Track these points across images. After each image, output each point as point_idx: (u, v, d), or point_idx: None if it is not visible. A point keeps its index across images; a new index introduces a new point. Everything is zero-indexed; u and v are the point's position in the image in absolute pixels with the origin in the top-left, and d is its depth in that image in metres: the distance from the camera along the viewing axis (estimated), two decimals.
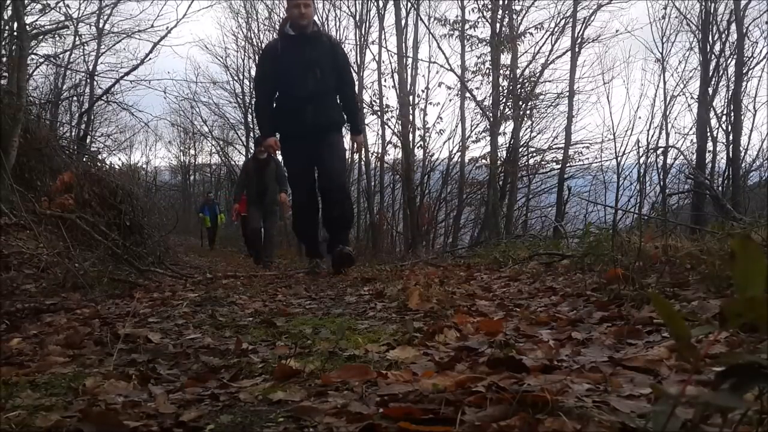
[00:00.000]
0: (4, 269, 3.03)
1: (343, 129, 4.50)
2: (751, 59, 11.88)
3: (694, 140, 12.30)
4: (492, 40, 12.18)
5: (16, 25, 6.70)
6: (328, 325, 1.91)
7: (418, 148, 13.10)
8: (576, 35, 13.19)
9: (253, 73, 20.13)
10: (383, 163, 14.22)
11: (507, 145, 12.89)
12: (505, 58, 12.70)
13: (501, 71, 12.32)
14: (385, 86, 13.57)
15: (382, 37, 13.77)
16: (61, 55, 13.53)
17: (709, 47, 12.04)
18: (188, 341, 1.72)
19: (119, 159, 21.81)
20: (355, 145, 5.15)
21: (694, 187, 10.18)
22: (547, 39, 13.24)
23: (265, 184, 7.48)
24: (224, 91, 21.67)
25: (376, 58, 13.80)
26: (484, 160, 13.06)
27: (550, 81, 13.84)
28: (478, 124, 13.48)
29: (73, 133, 13.56)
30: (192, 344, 1.66)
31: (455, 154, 13.75)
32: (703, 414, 0.51)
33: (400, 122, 12.19)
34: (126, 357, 1.50)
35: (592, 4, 13.03)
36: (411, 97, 12.78)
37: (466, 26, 12.52)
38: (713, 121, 12.15)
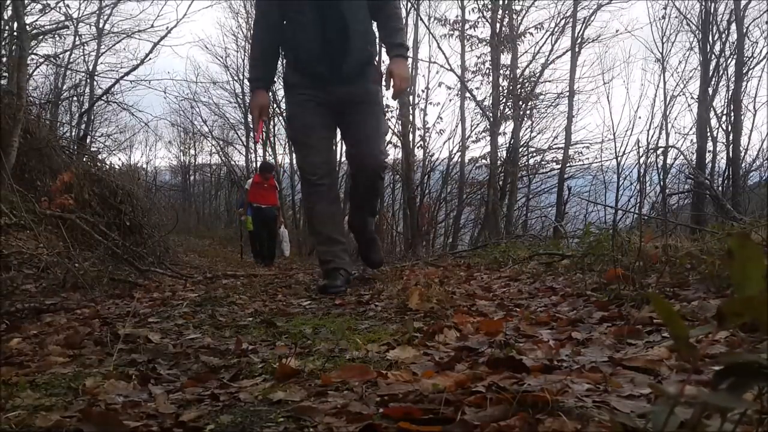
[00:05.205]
0: (4, 269, 3.03)
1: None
2: (751, 59, 11.89)
3: (694, 140, 12.31)
4: (492, 40, 12.19)
5: (16, 25, 6.71)
6: (328, 325, 1.91)
7: (418, 148, 13.11)
8: (576, 35, 13.21)
9: None
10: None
11: (507, 145, 12.91)
12: (505, 58, 12.73)
13: (501, 71, 12.34)
14: (384, 86, 13.49)
15: None
16: (61, 55, 13.58)
17: (709, 47, 12.05)
18: (188, 341, 1.72)
19: (119, 159, 21.82)
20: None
21: (694, 187, 10.17)
22: (547, 39, 13.25)
23: (342, 19, 3.02)
24: (224, 91, 21.71)
25: (376, 57, 13.76)
26: (484, 160, 13.09)
27: (550, 81, 13.86)
28: (478, 124, 13.51)
29: (73, 133, 13.59)
30: (192, 344, 1.66)
31: (455, 154, 13.78)
32: (703, 414, 0.51)
33: (400, 122, 12.18)
34: (126, 357, 1.50)
35: (592, 4, 13.06)
36: (411, 97, 12.77)
37: (466, 26, 12.54)
38: (713, 121, 12.16)
